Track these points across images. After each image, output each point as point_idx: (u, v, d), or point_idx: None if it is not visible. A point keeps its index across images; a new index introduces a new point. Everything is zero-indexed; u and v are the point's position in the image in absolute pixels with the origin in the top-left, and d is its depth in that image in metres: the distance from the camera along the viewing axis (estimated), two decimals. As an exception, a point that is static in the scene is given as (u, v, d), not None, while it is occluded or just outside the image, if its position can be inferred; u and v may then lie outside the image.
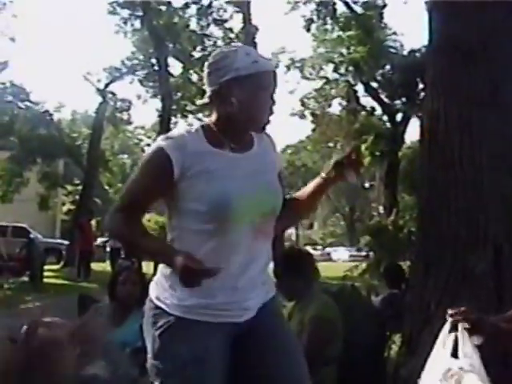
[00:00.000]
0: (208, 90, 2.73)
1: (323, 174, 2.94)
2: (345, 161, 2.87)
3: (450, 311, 3.07)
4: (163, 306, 2.69)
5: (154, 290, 2.78)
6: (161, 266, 2.78)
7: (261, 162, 2.79)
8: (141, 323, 4.74)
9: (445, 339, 3.10)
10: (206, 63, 2.77)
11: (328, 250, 52.52)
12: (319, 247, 54.26)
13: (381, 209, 33.82)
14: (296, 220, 3.26)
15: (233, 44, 2.90)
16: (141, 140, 51.92)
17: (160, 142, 2.67)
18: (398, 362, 5.64)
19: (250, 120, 2.70)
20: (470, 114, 5.55)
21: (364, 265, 14.84)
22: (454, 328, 3.06)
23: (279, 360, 2.75)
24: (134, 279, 5.04)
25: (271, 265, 3.00)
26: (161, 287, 2.74)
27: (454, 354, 3.00)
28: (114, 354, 4.58)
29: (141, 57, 29.50)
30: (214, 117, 2.76)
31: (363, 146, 27.17)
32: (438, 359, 3.08)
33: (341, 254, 46.65)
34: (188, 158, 2.61)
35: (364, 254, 19.01)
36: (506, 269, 5.32)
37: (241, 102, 2.64)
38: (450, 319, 3.04)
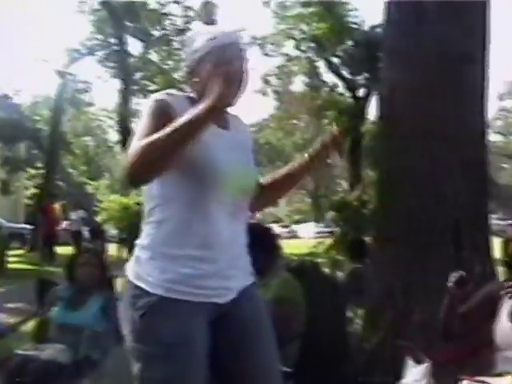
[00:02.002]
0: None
1: (306, 155, 2.91)
2: (330, 142, 2.85)
3: None
4: (143, 285, 2.60)
5: (131, 270, 2.68)
6: (138, 242, 2.71)
7: (239, 140, 2.79)
8: (101, 305, 4.75)
9: None
10: (185, 39, 2.83)
11: (294, 227, 52.67)
12: (285, 224, 54.39)
13: (345, 185, 34.02)
14: (273, 201, 3.18)
15: (199, 27, 2.87)
16: (103, 121, 51.51)
17: (158, 95, 2.66)
18: (361, 336, 5.67)
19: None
20: (426, 83, 5.55)
21: (329, 241, 14.93)
22: None
23: (253, 350, 2.74)
24: (94, 261, 4.99)
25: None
26: (139, 264, 2.66)
27: None
28: (73, 337, 4.55)
29: (100, 37, 29.21)
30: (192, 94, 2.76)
31: (326, 123, 27.30)
32: None
33: (307, 230, 46.72)
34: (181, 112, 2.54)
35: (329, 230, 19.11)
36: (465, 237, 5.36)
37: (203, 81, 2.63)
38: None
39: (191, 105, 2.60)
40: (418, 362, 3.45)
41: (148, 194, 2.68)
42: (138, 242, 2.72)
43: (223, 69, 2.57)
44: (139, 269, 2.64)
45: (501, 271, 4.79)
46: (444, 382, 3.35)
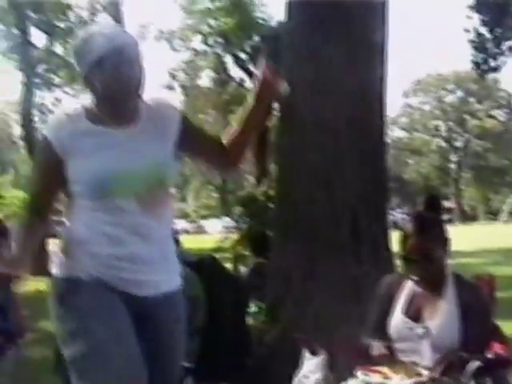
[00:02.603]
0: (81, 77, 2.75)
1: (252, 93, 2.87)
2: (264, 78, 2.81)
3: None
4: (63, 272, 2.69)
5: (53, 266, 2.75)
6: (58, 244, 2.78)
7: (146, 133, 2.75)
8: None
9: None
10: (72, 48, 2.77)
11: (201, 222, 52.61)
12: (193, 220, 54.28)
13: (252, 180, 34.19)
14: (242, 147, 3.00)
15: (92, 25, 2.86)
16: (7, 115, 50.35)
17: (43, 132, 2.74)
18: (262, 329, 5.70)
19: (116, 99, 2.67)
20: (326, 78, 5.61)
21: (236, 236, 14.96)
22: None
23: (158, 361, 2.77)
24: None
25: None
26: (59, 257, 2.73)
27: None
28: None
29: (2, 27, 28.46)
30: (91, 98, 2.75)
31: (232, 118, 27.31)
32: None
33: (214, 226, 46.73)
34: (66, 138, 2.63)
35: (237, 225, 19.14)
36: (362, 229, 5.46)
37: (102, 84, 2.64)
38: None
39: (86, 113, 2.71)
40: (315, 353, 3.49)
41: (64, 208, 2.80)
42: (58, 245, 2.78)
43: (117, 71, 2.62)
44: (58, 261, 2.72)
45: (399, 265, 4.90)
46: (340, 374, 3.40)
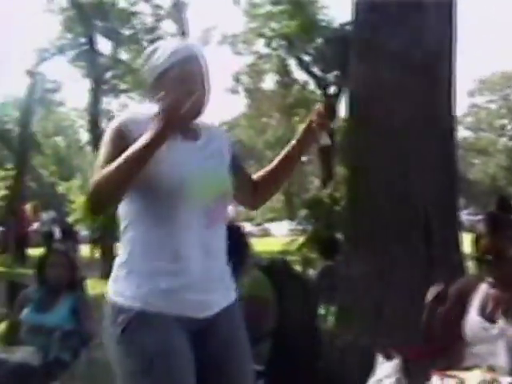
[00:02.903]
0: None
1: (293, 141, 2.89)
2: (314, 122, 2.80)
3: None
4: (121, 300, 2.60)
5: (111, 287, 2.69)
6: (116, 260, 2.71)
7: (208, 148, 2.77)
8: (71, 306, 4.73)
9: None
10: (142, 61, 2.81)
11: (267, 225, 52.68)
12: (258, 222, 54.39)
13: (317, 182, 34.11)
14: (271, 194, 3.09)
15: (160, 41, 2.87)
16: (74, 121, 51.21)
17: (118, 118, 2.69)
18: (333, 333, 5.68)
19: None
20: (396, 80, 5.57)
21: (302, 239, 14.94)
22: None
23: (228, 371, 2.73)
24: (63, 262, 4.96)
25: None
26: (117, 280, 2.66)
27: None
28: (43, 338, 4.53)
29: (69, 36, 28.98)
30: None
31: (297, 120, 27.33)
32: None
33: (280, 228, 46.74)
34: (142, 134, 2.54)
35: (302, 228, 19.11)
36: (435, 233, 5.40)
37: (163, 98, 2.57)
38: None
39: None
40: (389, 358, 3.47)
41: (120, 213, 2.70)
42: (116, 260, 2.72)
43: (184, 83, 2.59)
44: (117, 286, 2.65)
45: (471, 266, 4.83)
46: (415, 378, 3.37)
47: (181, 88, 2.60)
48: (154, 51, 2.73)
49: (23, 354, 4.41)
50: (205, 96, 2.70)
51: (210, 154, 2.76)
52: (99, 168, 2.52)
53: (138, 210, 2.63)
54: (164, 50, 2.70)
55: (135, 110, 2.80)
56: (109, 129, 2.66)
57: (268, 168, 2.99)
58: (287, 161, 2.92)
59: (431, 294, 3.69)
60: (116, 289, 2.65)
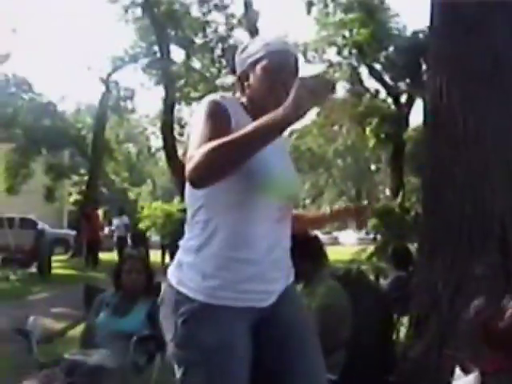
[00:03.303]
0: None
1: (328, 210, 3.11)
2: (353, 211, 3.03)
3: None
4: (185, 291, 2.60)
5: (174, 275, 2.68)
6: (182, 244, 2.70)
7: (283, 147, 2.82)
8: (147, 312, 4.78)
9: None
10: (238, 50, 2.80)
11: (335, 233, 52.46)
12: (327, 231, 54.21)
13: (387, 191, 33.82)
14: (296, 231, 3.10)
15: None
16: (145, 128, 51.87)
17: (213, 97, 2.62)
18: (406, 344, 5.62)
19: (264, 102, 2.63)
20: (473, 89, 5.52)
21: (371, 248, 14.85)
22: None
23: (297, 353, 2.72)
24: (139, 268, 5.02)
25: None
26: (181, 270, 2.66)
27: None
28: (119, 343, 4.59)
29: (143, 45, 29.43)
30: (244, 99, 2.74)
31: (368, 129, 27.15)
32: None
33: (348, 237, 46.51)
34: (236, 120, 2.57)
35: (372, 237, 18.99)
36: (511, 243, 5.30)
37: (253, 85, 2.67)
38: None
39: (243, 110, 2.66)
40: (466, 371, 3.41)
41: (191, 195, 2.66)
42: (180, 243, 2.72)
43: (276, 73, 2.59)
44: (181, 274, 2.65)
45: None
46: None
47: (275, 76, 2.62)
48: (249, 44, 2.76)
49: (100, 357, 4.47)
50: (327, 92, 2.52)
51: (283, 152, 2.81)
52: (200, 142, 2.40)
53: (212, 193, 2.56)
54: (259, 41, 2.73)
55: (230, 96, 2.75)
56: (206, 104, 2.58)
57: (301, 215, 3.18)
58: (315, 222, 3.25)
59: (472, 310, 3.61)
60: (180, 277, 2.64)
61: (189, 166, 2.36)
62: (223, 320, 2.58)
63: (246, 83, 2.70)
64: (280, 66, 2.64)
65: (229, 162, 2.33)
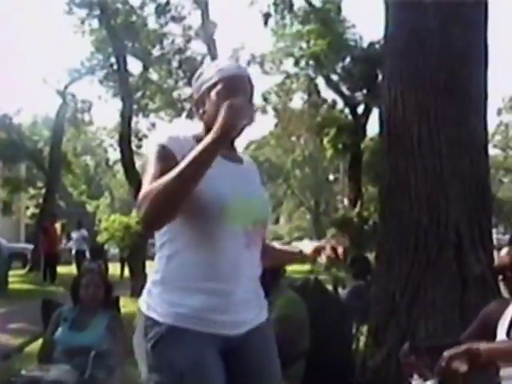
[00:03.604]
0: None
1: (299, 250, 3.05)
2: (327, 250, 2.89)
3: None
4: (154, 316, 2.63)
5: (144, 301, 2.71)
6: (151, 274, 2.73)
7: (251, 175, 2.85)
8: (106, 325, 4.76)
9: None
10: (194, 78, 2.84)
11: (295, 244, 52.58)
12: (286, 241, 54.37)
13: (346, 201, 34.01)
14: (266, 264, 3.00)
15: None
16: (103, 140, 51.53)
17: (161, 140, 2.67)
18: (365, 353, 5.66)
19: None
20: (428, 101, 5.59)
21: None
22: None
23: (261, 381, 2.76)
24: (98, 282, 4.98)
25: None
26: (150, 297, 2.69)
27: None
28: (78, 358, 4.55)
29: (100, 57, 29.27)
30: (201, 128, 2.78)
31: (325, 139, 27.32)
32: None
33: (307, 247, 46.62)
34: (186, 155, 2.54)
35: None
36: (467, 256, 5.37)
37: (208, 110, 2.70)
38: None
39: (196, 143, 2.60)
40: (424, 378, 3.44)
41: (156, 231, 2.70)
42: (151, 275, 2.74)
43: (230, 98, 2.55)
44: (150, 301, 2.68)
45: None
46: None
47: (230, 102, 2.56)
48: (204, 70, 2.79)
49: (58, 373, 4.43)
50: (252, 113, 2.65)
51: (245, 177, 2.79)
52: (149, 184, 2.48)
53: (175, 228, 2.60)
54: (213, 67, 2.77)
55: (173, 133, 2.77)
56: (155, 147, 2.66)
57: (273, 247, 3.11)
58: (287, 258, 3.19)
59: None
60: (149, 303, 2.67)
61: (140, 214, 2.45)
62: (192, 341, 2.59)
63: (201, 109, 2.75)
64: (233, 90, 2.67)
65: (172, 198, 2.40)
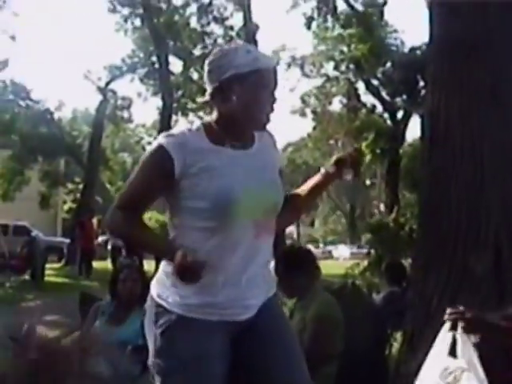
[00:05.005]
0: (208, 87, 2.72)
1: (323, 170, 2.97)
2: (345, 158, 2.90)
3: (448, 310, 3.10)
4: (164, 304, 2.69)
5: (155, 288, 2.79)
6: (163, 264, 2.77)
7: (261, 159, 2.78)
8: (142, 321, 4.79)
9: (444, 338, 3.12)
10: (207, 61, 2.76)
11: (329, 247, 52.48)
12: (320, 245, 54.20)
13: (382, 206, 33.86)
14: (296, 216, 3.18)
15: (233, 42, 2.87)
16: (142, 138, 51.86)
17: (161, 140, 2.67)
18: (399, 359, 5.63)
19: (249, 117, 2.68)
20: (471, 110, 5.55)
21: (365, 262, 14.85)
22: (453, 327, 3.09)
23: (279, 363, 2.74)
24: (135, 277, 5.03)
25: (272, 262, 3.00)
26: (162, 285, 2.74)
27: (453, 353, 3.02)
28: (114, 352, 4.59)
29: (141, 55, 29.46)
30: (214, 115, 2.74)
31: (364, 144, 27.20)
32: (437, 358, 3.10)
33: (342, 251, 46.56)
34: (189, 155, 2.60)
35: (365, 251, 19.00)
36: (506, 264, 5.33)
37: (240, 99, 2.64)
38: (448, 318, 3.08)
39: (203, 134, 2.69)
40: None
41: (169, 223, 2.79)
42: (162, 264, 2.79)
43: (263, 91, 2.64)
44: (162, 289, 2.74)
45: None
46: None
47: (262, 94, 2.65)
48: (230, 52, 2.70)
49: (95, 365, 4.47)
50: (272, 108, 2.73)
51: (262, 163, 2.77)
52: (127, 191, 2.76)
53: (185, 222, 2.68)
54: (246, 53, 2.68)
55: (182, 128, 2.80)
56: (153, 147, 2.71)
57: (298, 191, 3.04)
58: (315, 188, 3.02)
59: None
60: (160, 292, 2.74)
61: (107, 216, 2.75)
62: (200, 331, 2.65)
63: (226, 95, 2.66)
64: (268, 82, 2.68)
65: (125, 241, 2.80)
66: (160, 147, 2.65)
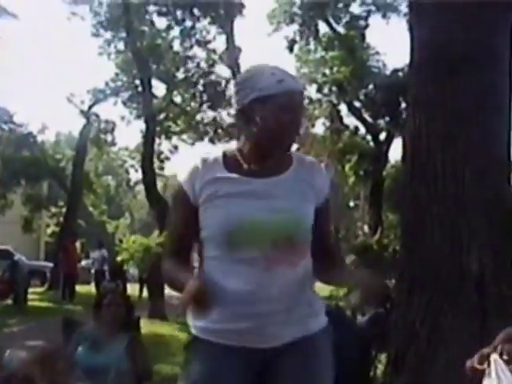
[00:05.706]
0: (233, 110, 2.72)
1: (357, 281, 2.79)
2: (369, 295, 2.84)
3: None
4: (189, 323, 2.78)
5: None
6: None
7: (285, 187, 2.67)
8: (126, 346, 4.76)
9: None
10: (234, 82, 2.76)
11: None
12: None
13: (366, 228, 33.90)
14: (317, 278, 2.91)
15: (260, 64, 2.80)
16: (125, 161, 51.61)
17: (181, 180, 2.75)
18: (383, 381, 5.63)
19: (272, 140, 2.62)
20: (453, 129, 5.59)
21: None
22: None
23: None
24: (119, 302, 5.01)
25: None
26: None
27: None
28: (98, 378, 4.56)
29: (124, 78, 29.42)
30: (240, 139, 2.73)
31: (347, 166, 27.29)
32: None
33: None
34: (200, 185, 2.63)
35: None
36: (489, 283, 5.35)
37: (263, 121, 2.59)
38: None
39: (224, 160, 2.69)
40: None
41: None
42: None
43: (290, 114, 2.59)
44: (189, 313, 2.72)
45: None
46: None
47: (285, 116, 2.59)
48: (253, 76, 2.67)
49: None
50: (301, 130, 2.70)
51: (283, 191, 2.65)
52: (167, 236, 3.04)
53: (203, 250, 2.71)
54: (271, 75, 2.64)
55: (200, 159, 2.74)
56: (175, 190, 2.82)
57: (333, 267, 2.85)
58: (341, 277, 2.89)
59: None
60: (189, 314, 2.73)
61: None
62: (211, 353, 2.64)
63: (249, 117, 2.62)
64: (292, 104, 2.62)
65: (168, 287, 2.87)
66: (179, 185, 2.75)
